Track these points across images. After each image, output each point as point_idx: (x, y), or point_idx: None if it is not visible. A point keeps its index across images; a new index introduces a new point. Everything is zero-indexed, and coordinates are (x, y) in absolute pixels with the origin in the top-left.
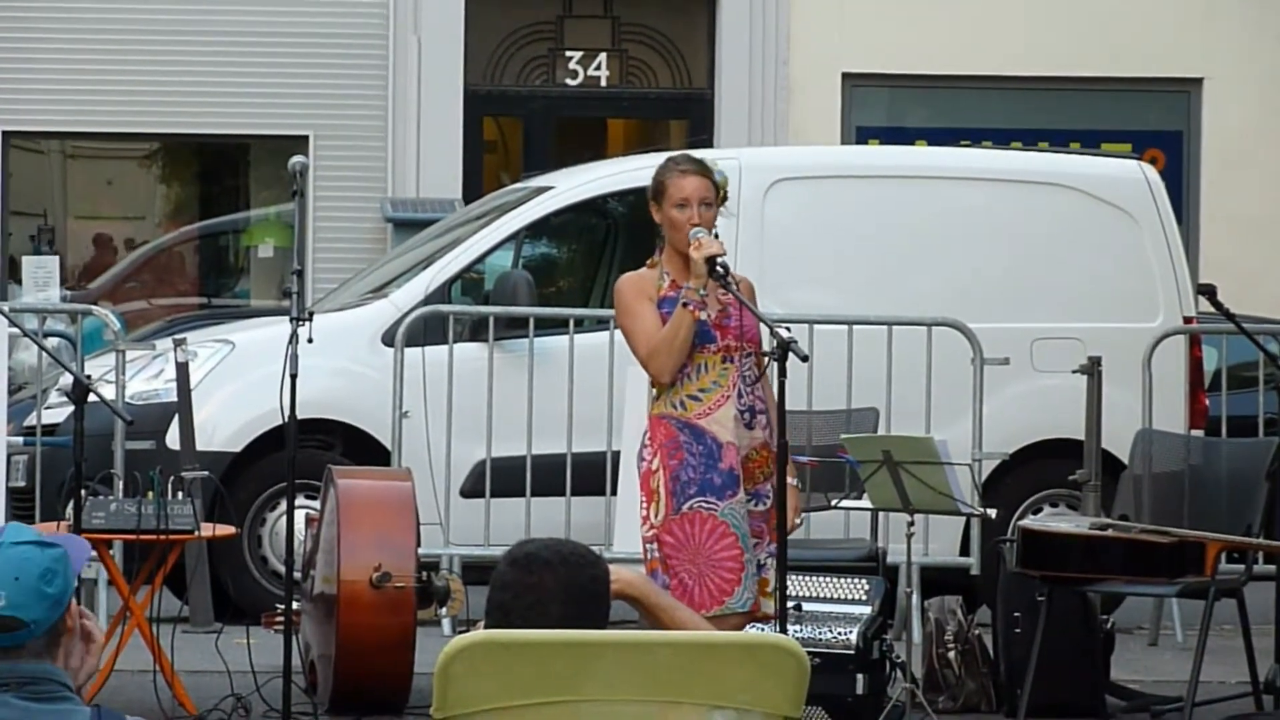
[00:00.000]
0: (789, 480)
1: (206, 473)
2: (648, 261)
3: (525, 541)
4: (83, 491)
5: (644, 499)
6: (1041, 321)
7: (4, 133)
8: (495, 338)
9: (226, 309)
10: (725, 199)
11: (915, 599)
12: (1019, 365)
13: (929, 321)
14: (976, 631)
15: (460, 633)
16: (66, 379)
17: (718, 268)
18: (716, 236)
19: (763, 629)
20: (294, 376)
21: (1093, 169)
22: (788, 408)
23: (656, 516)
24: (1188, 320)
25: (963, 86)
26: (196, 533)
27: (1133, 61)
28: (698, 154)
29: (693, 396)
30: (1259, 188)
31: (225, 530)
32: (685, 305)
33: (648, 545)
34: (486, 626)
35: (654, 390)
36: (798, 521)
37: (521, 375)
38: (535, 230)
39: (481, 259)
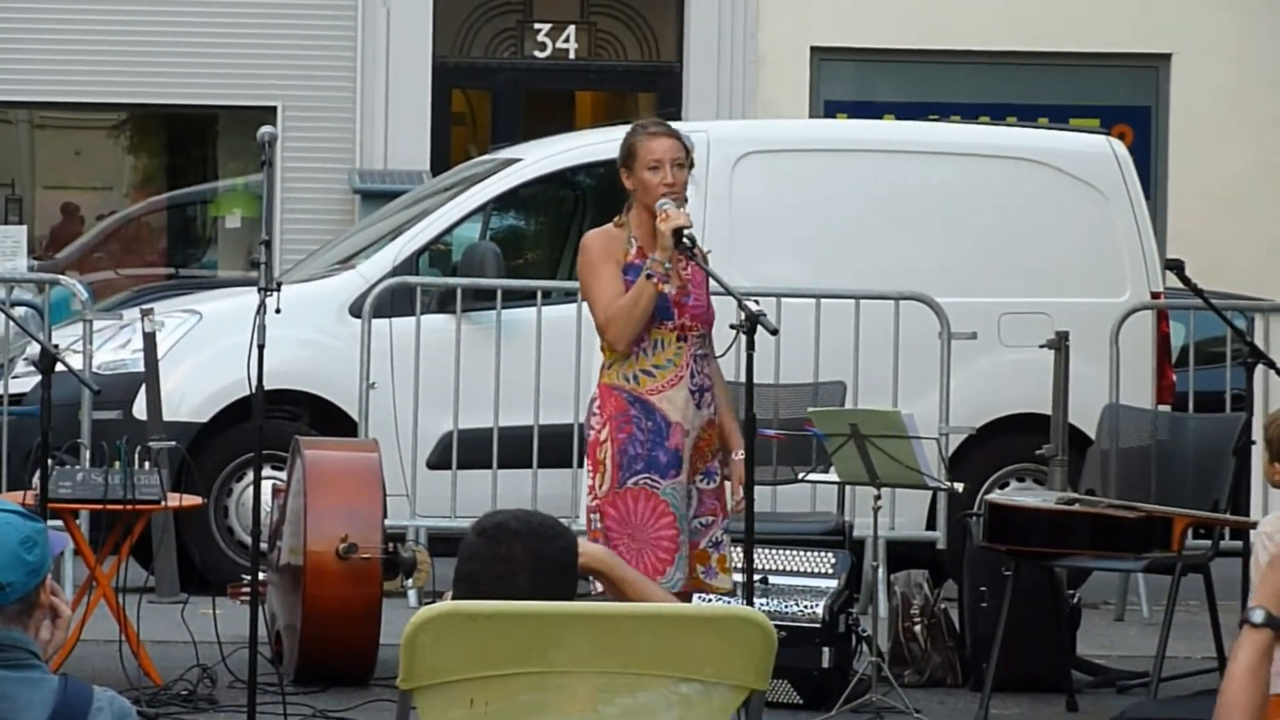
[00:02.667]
0: (737, 455)
1: (173, 443)
2: (615, 220)
3: (494, 512)
4: (49, 461)
5: (590, 468)
6: (1009, 296)
7: None
8: (463, 309)
9: (194, 279)
10: (693, 165)
11: (881, 573)
12: (986, 340)
13: (896, 295)
14: (943, 606)
15: (427, 604)
16: (34, 348)
17: (684, 240)
18: (686, 205)
19: (728, 601)
20: (261, 347)
21: (1061, 144)
22: (755, 381)
23: (601, 488)
24: (1155, 295)
25: (931, 61)
26: (163, 503)
27: (1101, 37)
28: None
29: (646, 372)
30: (1227, 163)
31: (191, 500)
32: (649, 277)
33: (591, 515)
34: (454, 596)
35: (606, 359)
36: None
37: (489, 347)
38: (503, 202)
39: (449, 231)
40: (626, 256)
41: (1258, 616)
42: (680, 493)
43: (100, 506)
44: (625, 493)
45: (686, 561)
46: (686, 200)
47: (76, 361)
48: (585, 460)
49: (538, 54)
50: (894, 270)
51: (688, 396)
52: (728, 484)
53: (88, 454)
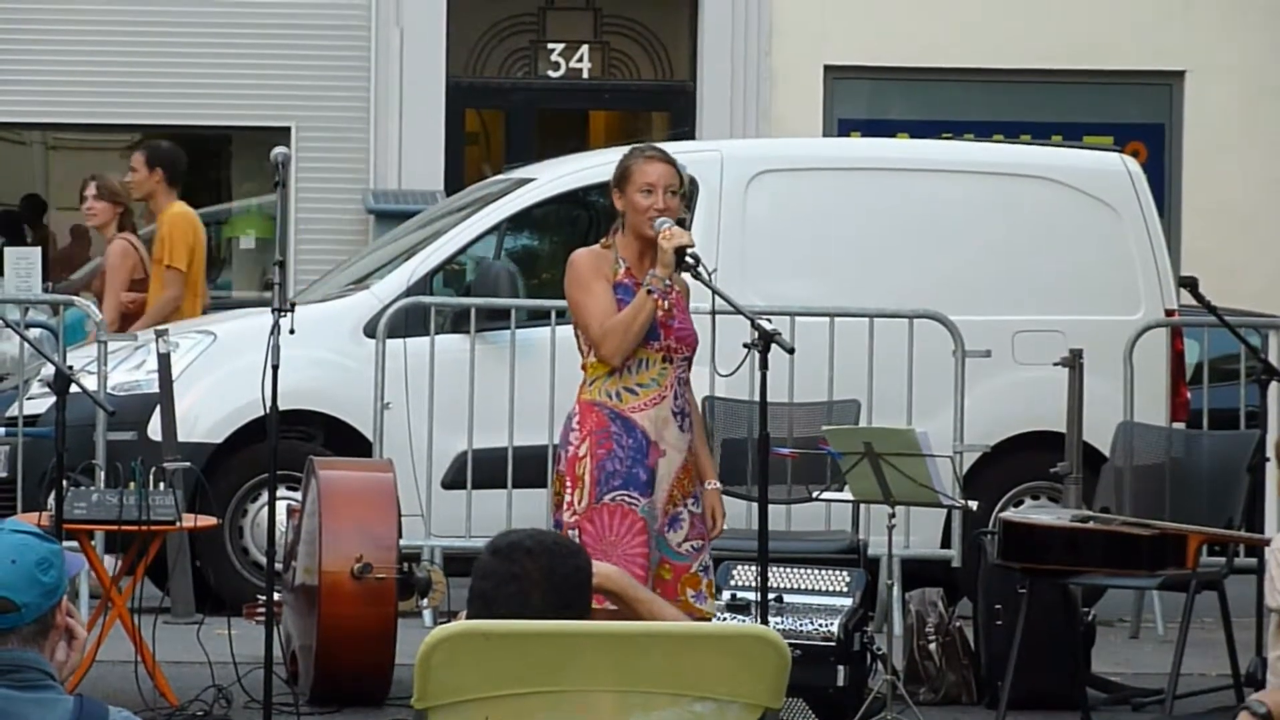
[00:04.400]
0: (710, 485)
1: (188, 463)
2: (601, 241)
3: (508, 532)
4: (64, 482)
5: (569, 483)
6: (1023, 314)
7: None
8: (477, 329)
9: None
10: (686, 196)
11: (896, 591)
12: (1000, 358)
13: (910, 314)
14: (957, 624)
15: (441, 624)
16: (48, 370)
17: (687, 258)
18: (685, 226)
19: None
20: (275, 367)
21: (1075, 162)
22: (769, 399)
23: (580, 503)
24: (1169, 313)
25: (944, 80)
26: (178, 523)
27: (1115, 55)
28: (671, 146)
29: (629, 389)
30: (1240, 180)
31: (207, 521)
32: (650, 292)
33: (570, 531)
34: (468, 615)
35: (587, 375)
36: (721, 528)
37: (503, 367)
38: (517, 222)
39: (463, 250)
40: (615, 276)
41: (1259, 709)
42: (654, 513)
43: (116, 527)
44: (602, 508)
45: (651, 579)
46: (687, 223)
47: (91, 383)
48: (560, 478)
49: (551, 74)
50: (908, 288)
51: (669, 417)
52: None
53: (103, 475)
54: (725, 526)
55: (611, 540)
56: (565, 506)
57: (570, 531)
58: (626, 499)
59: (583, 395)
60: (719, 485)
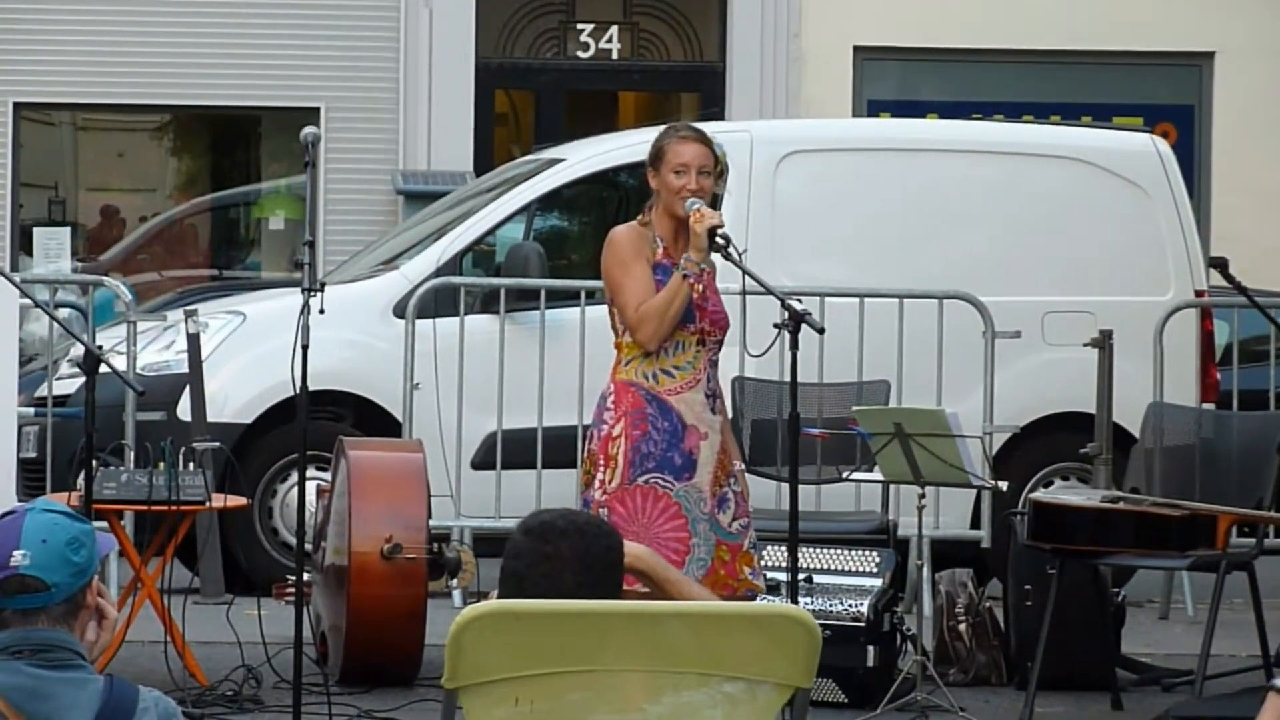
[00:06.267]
0: (738, 465)
1: (218, 444)
2: (639, 218)
3: (540, 511)
4: (94, 462)
5: (602, 462)
6: (1053, 295)
7: (15, 104)
8: (506, 310)
9: (237, 280)
10: (723, 173)
11: (926, 571)
12: (1030, 338)
13: (940, 294)
14: (987, 604)
15: (471, 604)
16: (78, 350)
17: (718, 239)
18: (717, 205)
19: (770, 599)
20: (305, 348)
21: (1105, 142)
22: (799, 380)
23: (611, 483)
24: (1199, 294)
25: (975, 60)
26: (207, 504)
27: (1145, 36)
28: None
29: (666, 372)
30: (1271, 161)
31: (236, 501)
32: (685, 277)
33: (599, 510)
34: (500, 595)
35: (622, 355)
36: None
37: (532, 347)
38: (546, 202)
39: (493, 231)
40: (655, 256)
41: None
42: (694, 496)
43: (145, 507)
44: (635, 489)
45: (708, 565)
46: (720, 200)
47: (120, 363)
48: (593, 456)
49: (580, 54)
50: (938, 269)
51: (704, 400)
52: None
53: (132, 455)
54: (754, 506)
55: (643, 523)
56: (597, 485)
57: (599, 510)
58: (660, 482)
59: (618, 375)
60: (744, 466)
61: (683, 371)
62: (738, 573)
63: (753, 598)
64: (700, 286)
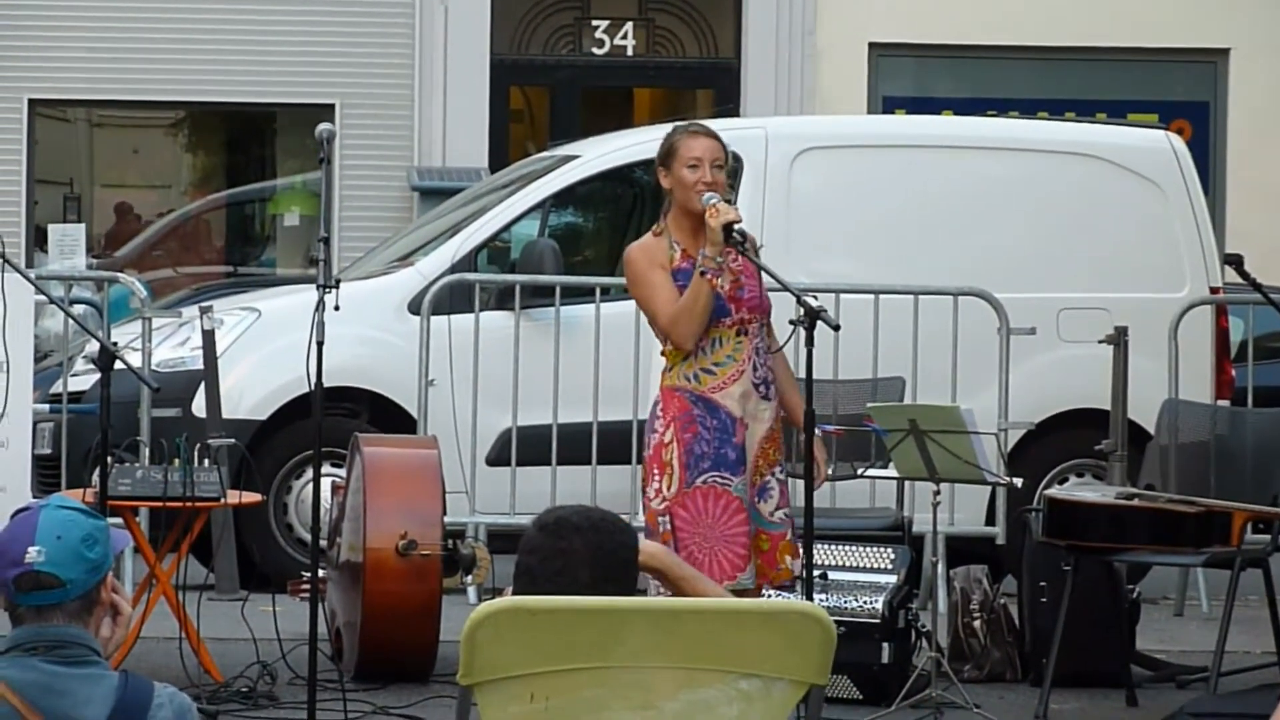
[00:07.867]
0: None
1: (233, 440)
2: (653, 229)
3: (555, 508)
4: (109, 459)
5: (656, 470)
6: (1068, 291)
7: (30, 100)
8: (521, 306)
9: (252, 277)
10: (733, 172)
11: (941, 568)
12: (1045, 335)
13: (955, 291)
14: (1002, 601)
15: (486, 600)
16: (93, 346)
17: (734, 234)
18: (731, 203)
19: (787, 597)
20: (320, 344)
21: (1119, 139)
22: (814, 376)
23: (670, 489)
24: (1214, 290)
25: (989, 57)
26: (222, 500)
27: (1159, 32)
28: (715, 124)
29: (707, 370)
30: None
31: (251, 498)
32: (703, 274)
33: (660, 518)
34: (514, 591)
35: (666, 361)
36: (825, 474)
37: (547, 344)
38: (561, 199)
39: (508, 227)
40: (672, 262)
41: None
42: (743, 488)
43: (160, 504)
44: (695, 491)
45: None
46: (733, 200)
47: (136, 359)
48: (646, 465)
49: (596, 51)
50: (953, 265)
51: (749, 390)
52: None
53: (147, 451)
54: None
55: (709, 523)
56: (654, 494)
57: (660, 519)
58: (719, 480)
59: (664, 382)
60: (819, 432)
61: (723, 367)
62: (777, 561)
63: (791, 587)
64: (721, 281)
